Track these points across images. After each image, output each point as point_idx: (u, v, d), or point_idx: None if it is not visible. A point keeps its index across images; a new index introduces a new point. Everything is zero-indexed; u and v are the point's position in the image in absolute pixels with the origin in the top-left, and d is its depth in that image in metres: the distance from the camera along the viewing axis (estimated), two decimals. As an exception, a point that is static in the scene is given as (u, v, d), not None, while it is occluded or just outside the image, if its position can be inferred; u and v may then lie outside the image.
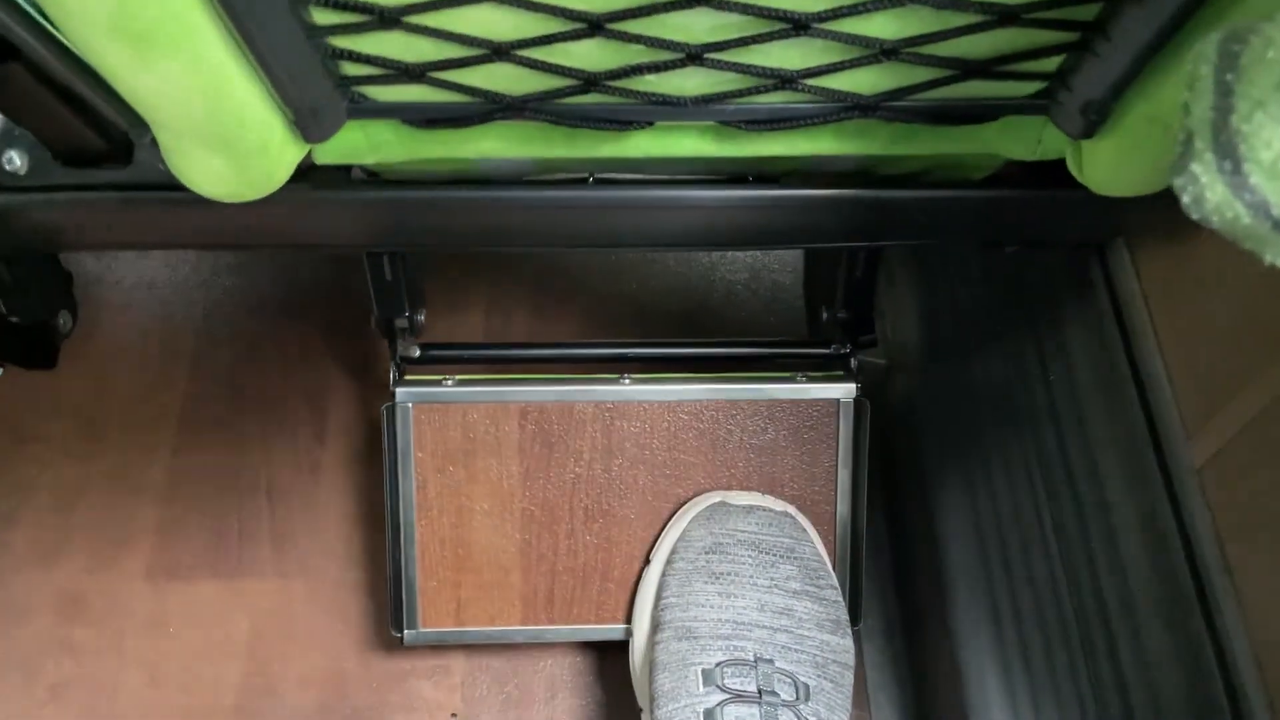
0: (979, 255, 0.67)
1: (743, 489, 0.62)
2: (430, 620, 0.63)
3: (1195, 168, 0.27)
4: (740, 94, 0.40)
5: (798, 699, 0.55)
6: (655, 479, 0.62)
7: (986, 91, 0.41)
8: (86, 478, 0.76)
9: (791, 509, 0.61)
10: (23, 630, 0.70)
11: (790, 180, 0.51)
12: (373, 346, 0.81)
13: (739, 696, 0.54)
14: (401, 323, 0.61)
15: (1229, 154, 0.27)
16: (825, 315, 0.65)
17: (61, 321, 0.64)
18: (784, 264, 0.85)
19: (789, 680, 0.55)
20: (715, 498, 0.61)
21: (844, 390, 0.62)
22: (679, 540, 0.60)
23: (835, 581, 0.61)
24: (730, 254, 0.85)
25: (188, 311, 0.83)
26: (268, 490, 0.76)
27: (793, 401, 0.62)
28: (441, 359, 0.64)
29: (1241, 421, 0.51)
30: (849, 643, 0.59)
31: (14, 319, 0.61)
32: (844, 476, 0.63)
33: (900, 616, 0.70)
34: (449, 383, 0.60)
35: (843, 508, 0.63)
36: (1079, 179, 0.44)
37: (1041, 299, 0.63)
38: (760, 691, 0.54)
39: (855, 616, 0.63)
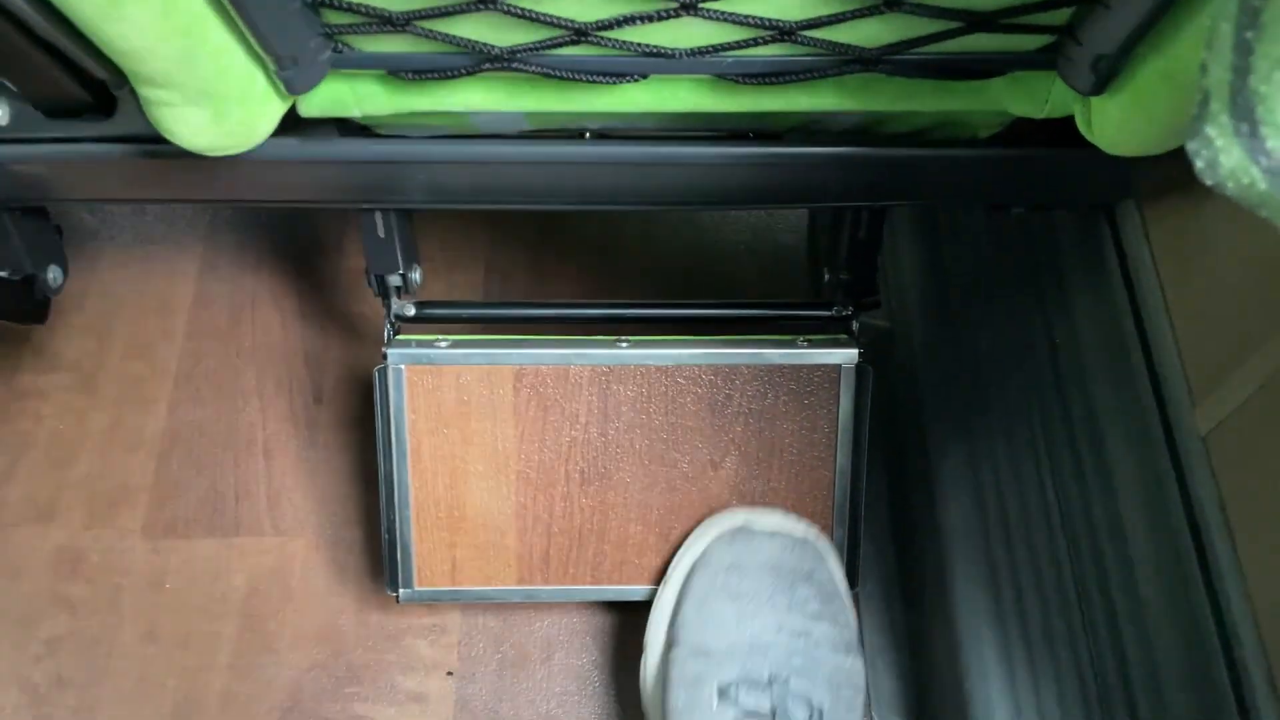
0: (984, 217, 0.66)
1: (739, 455, 0.61)
2: (425, 580, 0.62)
3: (1210, 130, 0.26)
4: (737, 46, 0.38)
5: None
6: (652, 443, 0.61)
7: (993, 45, 0.39)
8: (83, 434, 0.75)
9: (813, 533, 0.61)
10: (19, 586, 0.70)
11: (792, 138, 0.49)
12: (370, 305, 0.80)
13: (753, 715, 0.54)
14: (395, 280, 0.60)
15: (1246, 116, 0.25)
16: (827, 277, 0.64)
17: (51, 276, 0.63)
18: (787, 225, 0.83)
19: (803, 701, 0.55)
20: (739, 519, 0.61)
21: (845, 356, 0.61)
22: (699, 560, 0.60)
23: (850, 605, 0.60)
24: (733, 215, 0.83)
25: (184, 268, 0.82)
26: (264, 448, 0.75)
27: (793, 367, 0.61)
28: (437, 318, 0.63)
29: (1249, 388, 0.50)
30: (860, 665, 0.59)
31: (2, 273, 0.61)
32: (844, 441, 0.62)
33: (899, 581, 0.69)
34: (443, 344, 0.59)
35: (842, 472, 0.62)
36: (1088, 138, 0.43)
37: (1048, 262, 0.62)
38: (774, 711, 0.54)
39: (853, 580, 0.63)
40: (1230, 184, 0.25)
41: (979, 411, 0.62)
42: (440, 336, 0.60)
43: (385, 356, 0.59)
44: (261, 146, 0.43)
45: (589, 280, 0.80)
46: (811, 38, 0.38)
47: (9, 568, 0.70)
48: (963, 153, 0.48)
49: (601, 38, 0.38)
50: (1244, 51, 0.25)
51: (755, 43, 0.38)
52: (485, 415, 0.60)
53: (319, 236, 0.83)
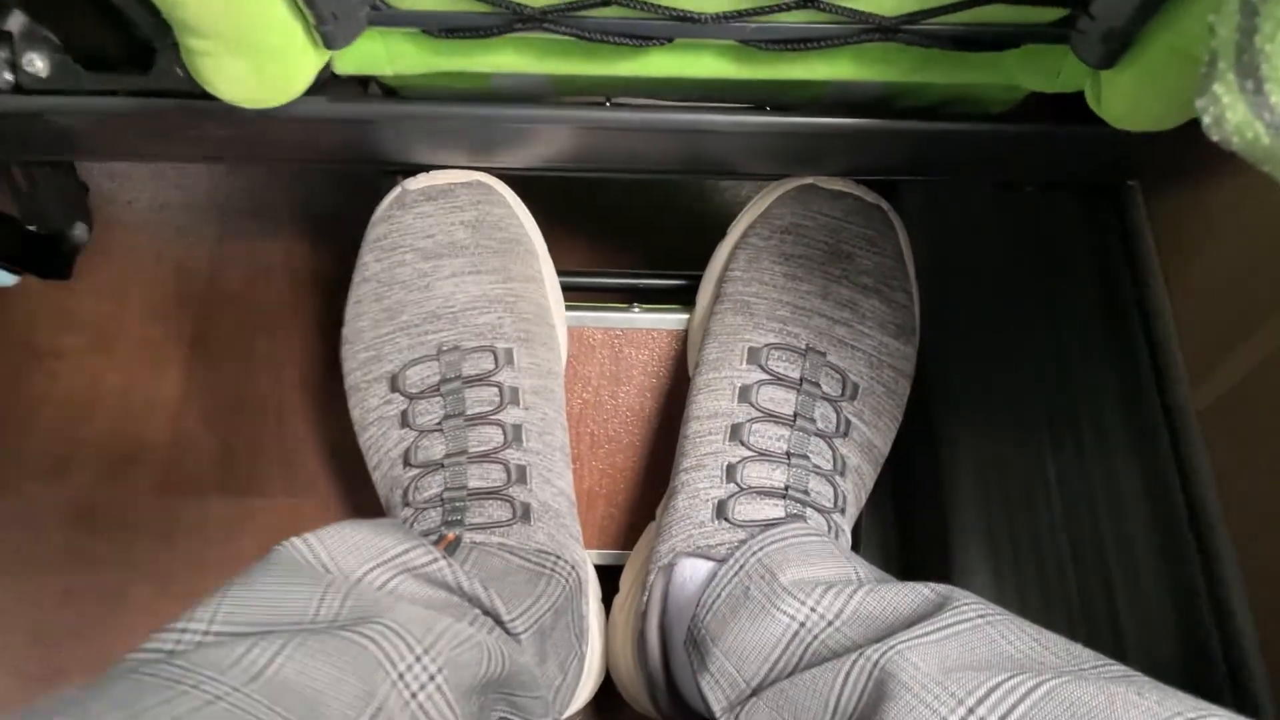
0: (990, 197, 0.67)
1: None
2: None
3: (1217, 88, 0.28)
4: (761, 12, 0.40)
5: (843, 395, 0.53)
6: (663, 407, 0.62)
7: (1008, 17, 0.40)
8: (98, 392, 0.77)
9: (885, 204, 0.57)
10: (35, 539, 0.71)
11: (808, 109, 0.51)
12: (384, 273, 0.81)
13: (779, 380, 0.52)
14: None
15: (1251, 74, 0.27)
16: (837, 252, 0.65)
17: (78, 232, 0.65)
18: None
19: (837, 376, 0.53)
20: (806, 179, 0.57)
21: None
22: (759, 216, 0.57)
23: (912, 287, 0.58)
24: (747, 185, 0.84)
25: (200, 232, 0.83)
26: (277, 411, 0.76)
27: None
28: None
29: (1246, 368, 0.51)
30: (911, 350, 0.56)
31: (31, 227, 0.62)
32: None
33: (899, 555, 0.71)
34: None
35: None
36: (1097, 112, 0.44)
37: (1051, 240, 0.63)
38: (802, 379, 0.52)
39: (855, 545, 0.64)
40: (1235, 139, 0.27)
41: (982, 390, 0.63)
42: None
43: None
44: (294, 103, 0.44)
45: (601, 249, 0.81)
46: (833, 4, 0.39)
47: (25, 519, 0.72)
48: (974, 127, 0.49)
49: (630, 0, 0.39)
50: (1249, 12, 0.26)
51: (778, 8, 0.40)
52: None
53: (335, 205, 0.85)
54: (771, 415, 0.51)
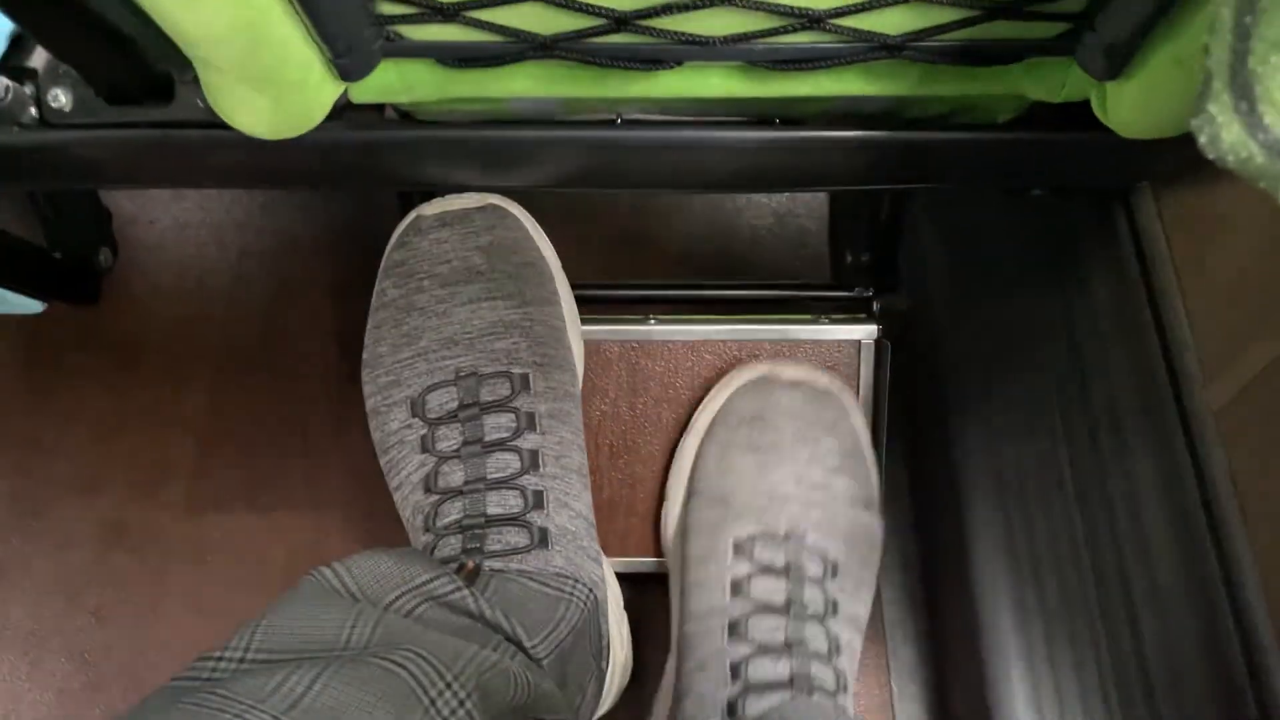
0: (1003, 200, 0.67)
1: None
2: None
3: (1212, 108, 0.28)
4: (768, 33, 0.40)
5: (825, 575, 0.54)
6: (679, 417, 0.63)
7: (1012, 32, 0.41)
8: (125, 411, 0.78)
9: (837, 385, 0.60)
10: (66, 557, 0.72)
11: (817, 122, 0.51)
12: (402, 287, 0.82)
13: (767, 569, 0.54)
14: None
15: (1245, 95, 0.27)
16: (849, 259, 0.66)
17: (102, 258, 0.66)
18: (809, 210, 0.85)
19: (818, 556, 0.55)
20: (761, 369, 0.60)
21: (865, 332, 0.63)
22: (720, 410, 0.59)
23: (872, 461, 0.60)
24: (756, 199, 0.85)
25: (222, 252, 0.84)
26: (302, 427, 0.78)
27: (814, 342, 0.63)
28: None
29: (1260, 366, 0.51)
30: (878, 521, 0.58)
31: (57, 254, 0.63)
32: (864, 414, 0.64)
33: (919, 555, 0.71)
34: None
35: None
36: (1103, 121, 0.44)
37: (1065, 243, 0.64)
38: (789, 566, 0.54)
39: None
40: (1230, 157, 0.27)
41: (998, 391, 0.64)
42: None
43: None
44: (311, 132, 0.45)
45: (615, 265, 0.82)
46: (839, 25, 0.40)
47: (56, 539, 0.73)
48: (982, 136, 0.50)
49: (640, 25, 0.40)
50: (1242, 35, 0.27)
51: (785, 30, 0.40)
52: None
53: (352, 220, 0.86)
54: (767, 606, 0.53)
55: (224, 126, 0.43)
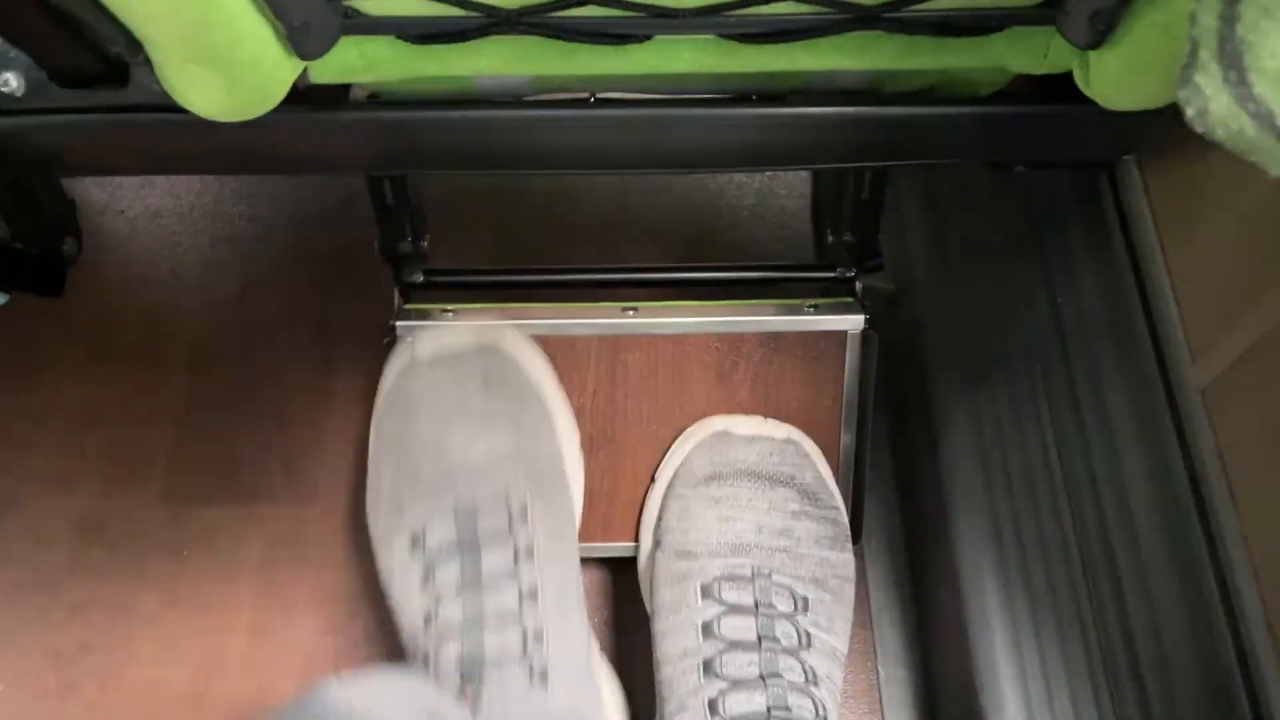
0: (986, 177, 0.66)
1: (746, 414, 0.62)
2: None
3: (1199, 79, 0.27)
4: (740, 4, 0.39)
5: (795, 610, 0.55)
6: (659, 408, 0.62)
7: (991, 1, 0.40)
8: (100, 404, 0.77)
9: (795, 434, 0.61)
10: (43, 553, 0.71)
11: (795, 99, 0.50)
12: (379, 274, 0.80)
13: (735, 609, 0.54)
14: (405, 248, 0.61)
15: (1234, 64, 0.26)
16: (831, 239, 0.65)
17: (68, 248, 0.64)
18: (791, 189, 0.84)
19: (786, 593, 0.56)
20: (718, 425, 0.61)
21: (852, 322, 0.61)
22: (681, 466, 0.61)
23: (838, 501, 0.61)
24: (737, 179, 0.84)
25: (194, 240, 0.83)
26: (279, 417, 0.76)
27: (800, 334, 0.61)
28: (447, 285, 0.64)
29: (1247, 343, 0.51)
30: (849, 557, 0.59)
31: (19, 246, 0.62)
32: (850, 404, 0.63)
33: (904, 538, 0.71)
34: (449, 315, 0.60)
35: (846, 433, 0.63)
36: (1086, 93, 0.43)
37: (1049, 220, 0.63)
38: (757, 604, 0.54)
39: (856, 535, 0.64)
40: (1219, 130, 0.26)
41: (982, 369, 0.63)
42: (446, 306, 0.60)
43: (394, 329, 0.59)
44: (272, 114, 0.43)
45: (596, 245, 0.81)
46: (812, -4, 0.39)
47: (32, 535, 0.72)
48: (964, 110, 0.49)
49: (607, -1, 0.38)
50: (1230, 0, 0.25)
51: (757, 1, 0.39)
52: None
53: (326, 206, 0.84)
54: (739, 644, 0.53)
55: (181, 110, 0.42)
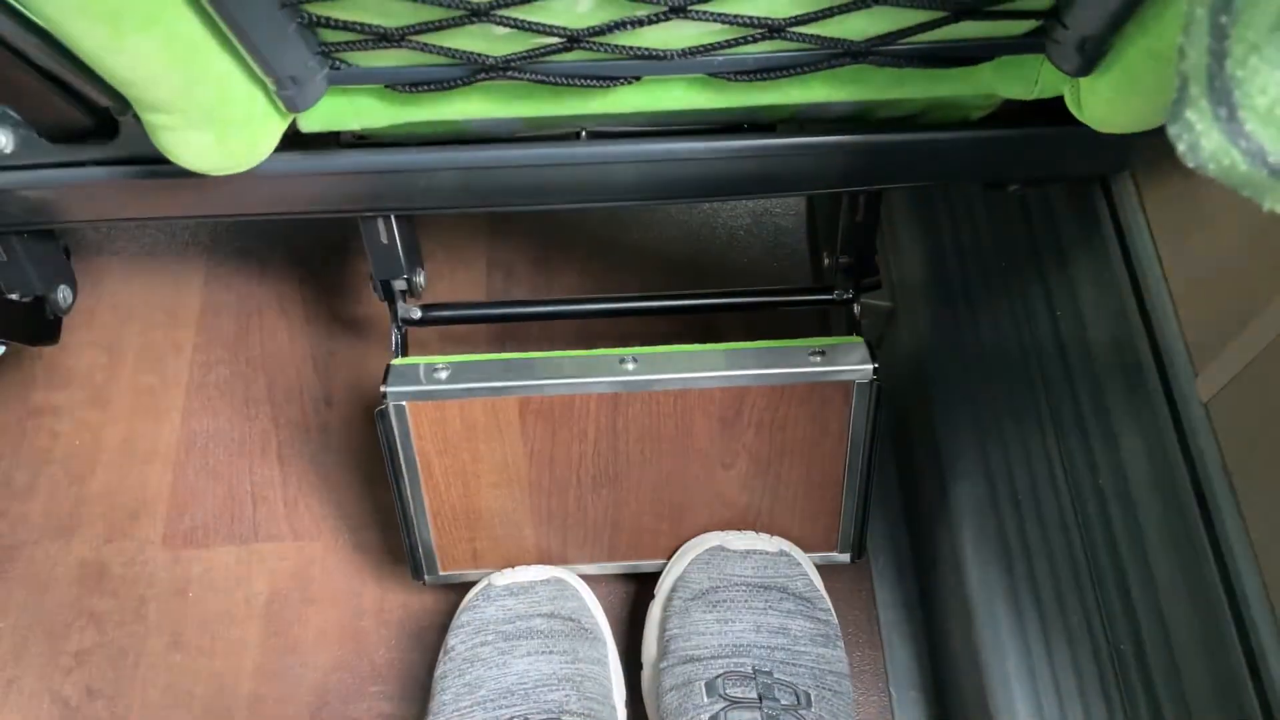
0: (982, 194, 0.66)
1: (749, 458, 0.62)
2: (449, 566, 0.65)
3: (1190, 115, 0.27)
4: (728, 44, 0.39)
5: (799, 705, 0.56)
6: (662, 453, 0.61)
7: (979, 32, 0.39)
8: (99, 448, 0.76)
9: (786, 545, 0.63)
10: (46, 600, 0.71)
11: (786, 128, 0.50)
12: (375, 308, 0.80)
13: (739, 703, 0.56)
14: (400, 285, 0.60)
15: (1224, 100, 0.26)
16: (828, 261, 0.64)
17: (61, 296, 0.64)
18: (786, 208, 0.84)
19: (789, 689, 0.57)
20: (713, 540, 0.63)
21: (860, 373, 0.59)
22: (678, 580, 0.63)
23: (828, 604, 0.63)
24: (731, 203, 0.84)
25: (190, 279, 0.82)
26: (278, 454, 0.76)
27: (806, 387, 0.59)
28: (443, 320, 0.64)
29: (1249, 355, 0.50)
30: (843, 654, 0.61)
31: (12, 296, 0.61)
32: (856, 444, 0.61)
33: (912, 558, 0.70)
34: (443, 374, 0.58)
35: (852, 469, 0.62)
36: (1078, 117, 0.43)
37: (1046, 235, 0.63)
38: (761, 698, 0.56)
39: (860, 550, 0.65)
40: (1212, 166, 0.26)
41: (985, 387, 0.63)
42: (440, 360, 0.58)
43: (384, 396, 0.57)
44: (263, 163, 0.43)
45: (592, 273, 0.81)
46: (801, 33, 0.38)
47: (35, 583, 0.71)
48: (955, 135, 0.48)
49: (594, 43, 0.38)
50: (1219, 35, 0.25)
51: (745, 40, 0.39)
52: (493, 438, 0.60)
53: (322, 242, 0.84)
54: None
55: (170, 162, 0.42)
